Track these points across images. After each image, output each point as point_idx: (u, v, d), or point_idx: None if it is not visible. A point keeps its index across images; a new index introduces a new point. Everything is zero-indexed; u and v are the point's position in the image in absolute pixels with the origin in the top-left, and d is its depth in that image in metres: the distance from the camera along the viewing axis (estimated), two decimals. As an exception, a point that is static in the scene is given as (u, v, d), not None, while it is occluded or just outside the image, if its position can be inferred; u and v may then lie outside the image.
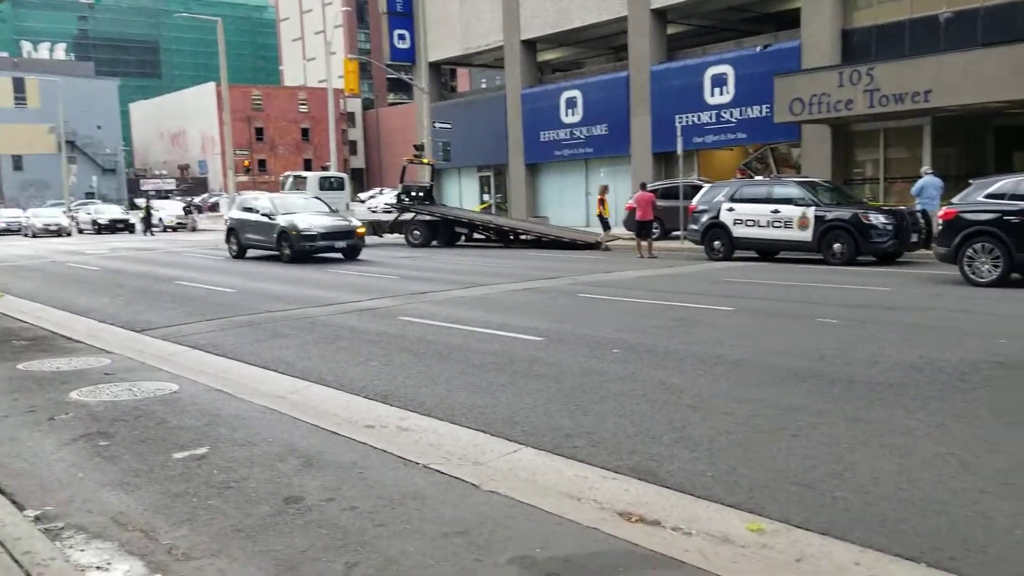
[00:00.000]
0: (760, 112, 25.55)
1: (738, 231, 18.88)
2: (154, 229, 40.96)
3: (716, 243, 19.36)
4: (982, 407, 6.14)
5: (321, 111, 78.80)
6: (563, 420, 6.07)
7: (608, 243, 23.80)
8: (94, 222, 43.12)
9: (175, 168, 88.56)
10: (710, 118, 27.23)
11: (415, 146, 32.71)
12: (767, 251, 19.09)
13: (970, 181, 14.40)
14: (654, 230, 21.61)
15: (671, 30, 29.96)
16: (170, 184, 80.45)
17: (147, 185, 77.34)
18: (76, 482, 4.91)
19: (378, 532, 4.06)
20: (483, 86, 57.05)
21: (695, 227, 19.88)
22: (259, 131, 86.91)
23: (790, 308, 11.57)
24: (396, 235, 28.70)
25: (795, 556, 3.76)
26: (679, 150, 23.68)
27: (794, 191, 18.19)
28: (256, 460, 5.24)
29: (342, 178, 36.87)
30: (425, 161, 31.17)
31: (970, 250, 13.49)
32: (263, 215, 21.83)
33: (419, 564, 3.69)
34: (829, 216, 17.32)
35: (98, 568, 3.74)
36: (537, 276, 16.41)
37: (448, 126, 33.99)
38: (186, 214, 45.56)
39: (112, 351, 9.17)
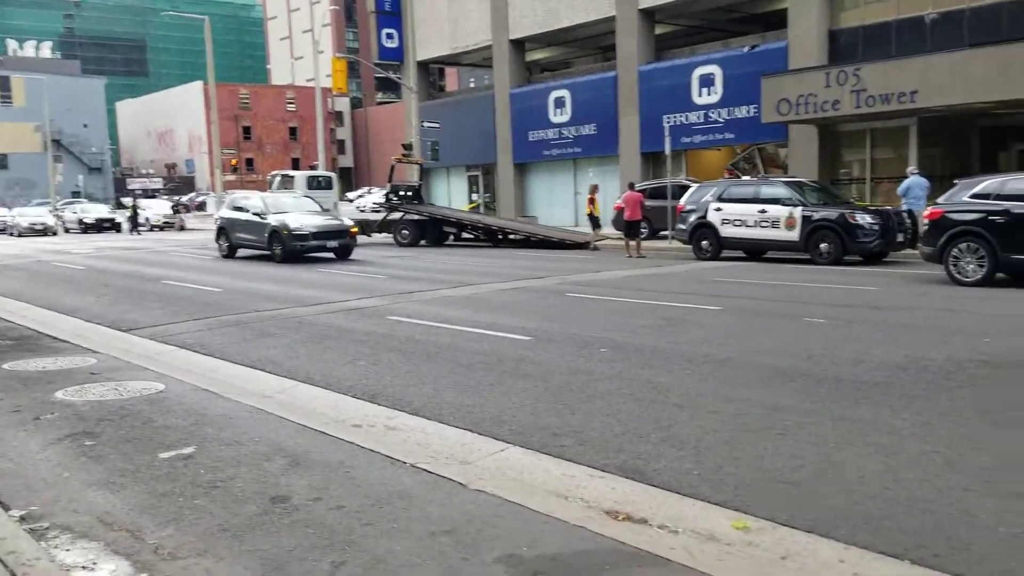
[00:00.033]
0: (748, 112, 25.63)
1: (726, 231, 18.95)
2: (140, 228, 40.77)
3: (704, 243, 19.42)
4: (967, 406, 6.18)
5: (309, 110, 78.66)
6: (551, 419, 6.08)
7: (598, 242, 23.83)
8: (80, 221, 42.85)
9: (162, 167, 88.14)
10: (698, 118, 27.31)
11: (403, 145, 32.63)
12: (754, 251, 19.15)
13: (955, 181, 14.49)
14: (642, 230, 21.66)
15: (659, 30, 30.02)
16: (157, 183, 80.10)
17: (134, 184, 76.99)
18: (62, 482, 4.89)
19: (365, 531, 4.05)
20: (471, 85, 57.09)
21: (683, 227, 19.93)
22: (247, 130, 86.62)
23: (777, 308, 11.62)
24: (384, 235, 28.64)
25: (780, 554, 3.78)
26: (667, 150, 23.73)
27: (781, 191, 18.26)
28: (243, 460, 5.23)
29: (330, 177, 36.77)
30: (413, 160, 31.12)
31: (955, 250, 13.58)
32: (254, 214, 21.67)
33: (406, 563, 3.69)
34: (816, 216, 17.40)
35: (84, 568, 3.73)
36: (525, 275, 16.42)
37: (436, 125, 33.96)
38: (174, 213, 45.34)
39: (98, 351, 9.13)
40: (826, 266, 16.88)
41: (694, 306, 11.72)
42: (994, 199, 13.28)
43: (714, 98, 26.87)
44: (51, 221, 41.96)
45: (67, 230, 43.00)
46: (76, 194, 68.90)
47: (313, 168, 43.32)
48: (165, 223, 43.44)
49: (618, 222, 23.11)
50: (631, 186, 22.67)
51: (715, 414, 6.09)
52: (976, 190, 13.65)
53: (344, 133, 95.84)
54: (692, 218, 19.60)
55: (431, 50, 37.40)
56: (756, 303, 12.10)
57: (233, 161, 59.84)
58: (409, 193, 28.43)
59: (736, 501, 4.42)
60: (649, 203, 22.82)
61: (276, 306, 12.48)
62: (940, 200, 14.47)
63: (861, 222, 16.88)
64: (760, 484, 4.67)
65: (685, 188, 21.88)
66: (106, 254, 25.39)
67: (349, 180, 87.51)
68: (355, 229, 22.12)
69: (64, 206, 51.45)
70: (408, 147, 32.04)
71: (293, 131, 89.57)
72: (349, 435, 5.76)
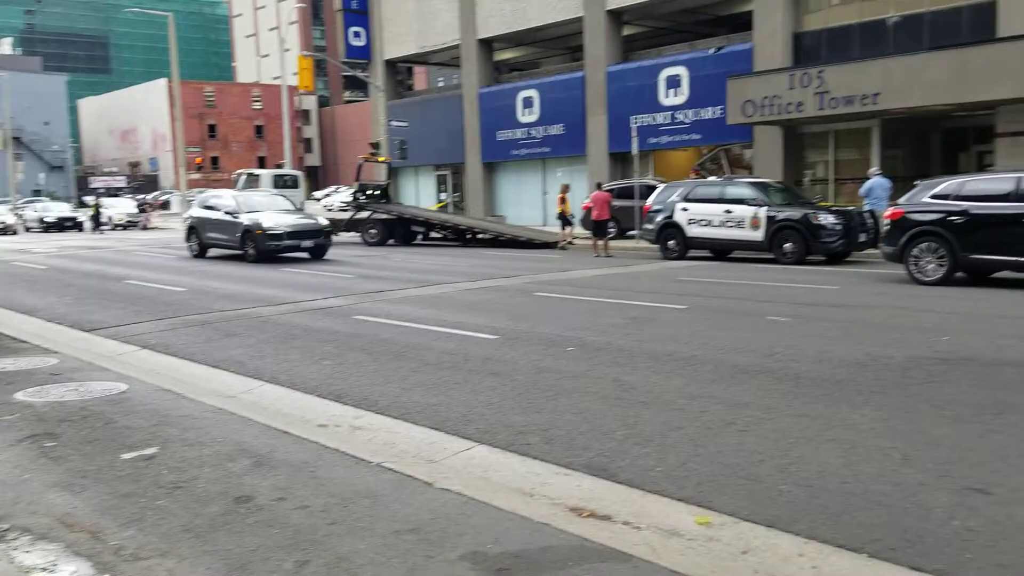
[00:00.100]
0: (714, 113, 25.87)
1: (692, 231, 19.12)
2: (103, 227, 40.21)
3: (671, 242, 19.58)
4: (924, 402, 6.30)
5: (275, 108, 77.94)
6: (517, 417, 6.11)
7: (570, 241, 23.88)
8: (41, 220, 42.15)
9: (125, 165, 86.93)
10: (665, 119, 27.50)
11: (371, 144, 32.54)
12: (720, 250, 19.34)
13: (916, 182, 14.74)
14: (610, 229, 21.78)
15: (627, 31, 30.20)
16: (120, 182, 78.90)
17: (96, 183, 75.74)
18: (21, 483, 4.82)
19: (329, 530, 4.05)
20: (440, 84, 56.97)
21: (650, 226, 20.08)
22: (212, 128, 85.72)
23: (741, 306, 11.75)
24: (351, 234, 28.51)
25: (741, 548, 3.84)
26: (635, 150, 23.89)
27: (746, 192, 18.46)
28: (206, 460, 5.19)
29: (296, 176, 36.48)
30: (381, 159, 31.01)
31: (916, 249, 13.82)
32: (226, 213, 21.30)
33: (370, 561, 3.70)
34: (780, 216, 17.61)
35: (44, 570, 3.69)
36: (494, 275, 16.44)
37: (405, 124, 33.88)
38: (140, 212, 44.75)
39: (60, 351, 9.01)
40: (790, 265, 17.10)
41: (660, 305, 11.81)
42: (953, 200, 13.53)
43: (681, 99, 27.08)
44: (11, 220, 41.23)
45: (28, 229, 42.29)
46: (37, 192, 67.81)
47: (279, 167, 43.01)
48: (129, 222, 42.87)
49: (586, 222, 23.22)
50: (599, 186, 22.80)
51: (679, 411, 6.16)
52: (936, 191, 13.89)
53: (311, 132, 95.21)
54: (659, 218, 19.75)
55: (399, 49, 37.30)
56: (721, 302, 12.23)
57: (198, 160, 59.13)
58: (377, 192, 28.32)
59: (699, 497, 4.47)
60: (617, 203, 22.97)
61: (241, 306, 12.39)
62: (901, 201, 14.71)
63: (824, 222, 17.12)
64: (722, 479, 4.74)
65: (652, 188, 22.04)
66: (68, 253, 25.00)
67: (316, 179, 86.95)
68: (330, 229, 21.90)
69: (25, 205, 50.58)
70: (376, 146, 31.96)
71: (259, 129, 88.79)
72: (314, 435, 5.75)
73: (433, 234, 27.38)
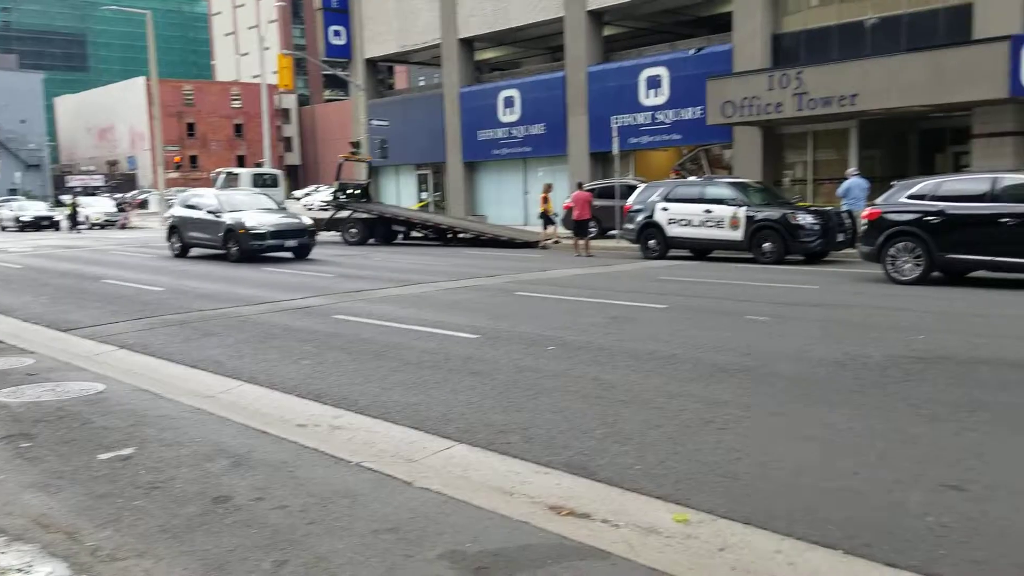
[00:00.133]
0: (694, 114, 25.99)
1: (672, 230, 19.19)
2: (80, 227, 39.85)
3: (651, 242, 19.65)
4: (901, 401, 6.36)
5: (255, 107, 77.61)
6: (497, 416, 6.11)
7: (556, 240, 23.89)
8: (17, 219, 41.67)
9: (103, 164, 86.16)
10: (645, 119, 27.60)
11: (352, 143, 32.43)
12: (700, 250, 19.44)
13: (893, 183, 14.87)
14: (591, 229, 21.83)
15: (607, 31, 30.27)
16: (98, 180, 78.18)
17: (74, 181, 75.00)
18: (-5, 485, 4.78)
19: (308, 530, 4.04)
20: (421, 84, 56.81)
21: (631, 226, 20.14)
22: (190, 127, 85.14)
23: (721, 306, 11.81)
24: (331, 233, 28.39)
25: (719, 545, 3.86)
26: (615, 150, 23.94)
27: (726, 192, 18.55)
28: (184, 460, 5.16)
29: (276, 175, 36.35)
30: (362, 158, 30.92)
31: (893, 249, 13.94)
32: (208, 212, 21.06)
33: (349, 561, 3.69)
34: (759, 216, 17.72)
35: (19, 571, 3.65)
36: (475, 274, 16.44)
37: (385, 123, 33.80)
38: (119, 211, 44.35)
39: (36, 351, 8.92)
40: (769, 265, 17.20)
41: (641, 304, 11.85)
42: (929, 200, 13.66)
43: (661, 99, 27.19)
44: (-14, 219, 40.79)
45: (3, 228, 41.82)
46: (13, 191, 66.99)
47: (259, 165, 42.79)
48: (106, 221, 42.49)
49: (567, 221, 23.27)
50: (580, 186, 22.86)
51: (658, 410, 6.19)
52: (912, 191, 14.02)
53: (291, 130, 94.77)
54: (640, 218, 19.81)
55: (379, 48, 37.21)
56: (701, 301, 12.29)
57: (177, 158, 58.78)
58: (357, 191, 28.24)
59: (677, 495, 4.50)
60: (598, 203, 23.03)
61: (220, 305, 12.32)
62: (878, 201, 14.84)
63: (802, 222, 17.24)
64: (701, 477, 4.76)
65: (633, 188, 22.11)
66: (44, 253, 24.75)
67: (296, 178, 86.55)
68: (314, 228, 21.75)
69: (0, 203, 50.02)
70: (356, 145, 31.85)
71: (239, 128, 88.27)
72: (293, 435, 5.73)
73: (414, 233, 27.33)
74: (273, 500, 4.45)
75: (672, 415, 6.05)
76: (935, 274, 13.72)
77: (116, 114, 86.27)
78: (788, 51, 23.81)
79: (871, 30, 22.08)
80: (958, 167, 21.46)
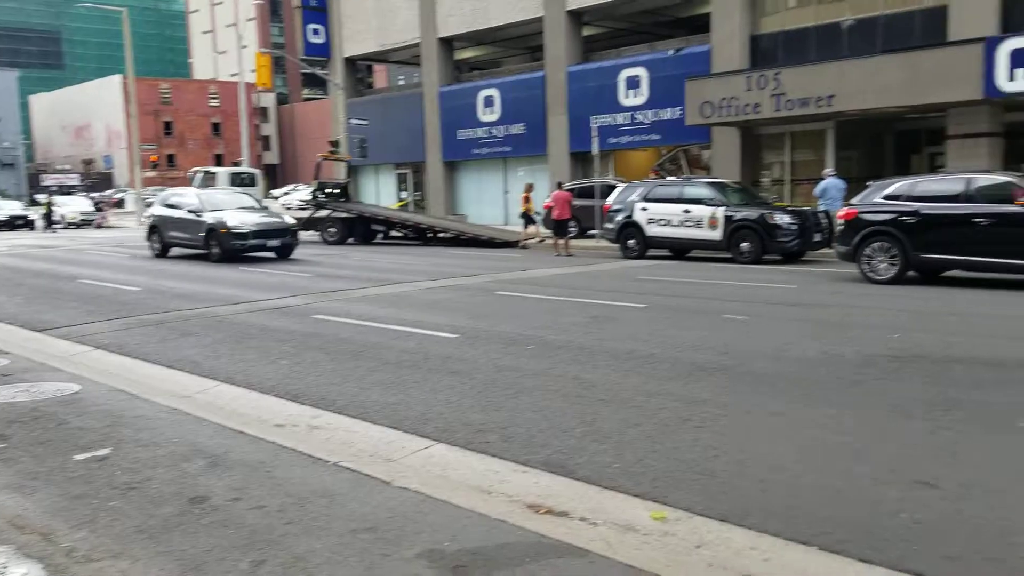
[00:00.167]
0: (673, 114, 26.08)
1: (651, 230, 19.27)
2: (56, 226, 39.42)
3: (631, 242, 19.71)
4: (876, 399, 6.43)
5: (232, 105, 77.07)
6: (476, 416, 6.11)
7: (541, 239, 23.89)
8: (-9, 218, 41.16)
9: (79, 163, 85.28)
10: (625, 119, 27.67)
11: (331, 142, 32.27)
12: (679, 250, 19.52)
13: (868, 183, 15.01)
14: (571, 228, 21.87)
15: (587, 32, 30.33)
16: (73, 179, 77.37)
17: (49, 180, 74.21)
18: (-32, 486, 4.72)
19: (286, 530, 4.03)
20: (400, 83, 56.71)
21: (610, 226, 20.20)
22: (168, 125, 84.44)
23: (699, 305, 11.88)
24: (310, 232, 28.25)
25: (695, 543, 3.89)
26: (595, 150, 24.00)
27: (704, 192, 18.65)
28: (160, 461, 5.13)
29: (254, 174, 36.16)
30: (341, 157, 30.80)
31: (868, 249, 14.07)
32: (189, 211, 20.80)
33: (327, 560, 3.69)
34: (737, 216, 17.83)
35: (-9, 574, 3.62)
36: (454, 274, 16.42)
37: (365, 122, 33.68)
38: (96, 210, 43.90)
39: (10, 351, 8.83)
40: (747, 265, 17.31)
41: (620, 304, 11.89)
42: (905, 200, 13.80)
43: (640, 100, 27.27)
44: (-40, 219, 40.23)
45: (-23, 228, 41.29)
46: (-13, 190, 66.20)
47: (237, 164, 42.53)
48: (83, 220, 42.04)
49: (547, 221, 23.30)
50: (559, 185, 22.90)
51: (637, 409, 6.21)
52: (888, 191, 14.16)
53: (269, 129, 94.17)
54: (619, 217, 19.87)
55: (358, 47, 37.07)
56: (679, 300, 12.35)
57: (153, 157, 58.32)
58: (336, 190, 28.12)
59: (655, 492, 4.52)
60: (577, 202, 23.08)
61: (197, 305, 12.23)
62: (854, 201, 14.96)
63: (780, 222, 17.36)
64: (678, 475, 4.79)
65: (612, 188, 22.16)
66: (19, 252, 24.48)
67: (275, 177, 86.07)
68: (296, 227, 21.59)
69: (-27, 203, 49.35)
70: (335, 144, 31.71)
71: (216, 127, 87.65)
72: (271, 435, 5.70)
73: (394, 233, 27.25)
74: (251, 500, 4.43)
75: (650, 414, 6.08)
76: (910, 273, 13.86)
77: (92, 112, 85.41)
78: (766, 52, 23.96)
79: (848, 32, 22.26)
80: (933, 168, 21.68)
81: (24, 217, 41.70)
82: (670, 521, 4.12)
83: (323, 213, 27.20)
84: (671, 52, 26.64)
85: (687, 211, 18.53)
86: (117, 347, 9.06)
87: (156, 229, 22.07)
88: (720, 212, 18.01)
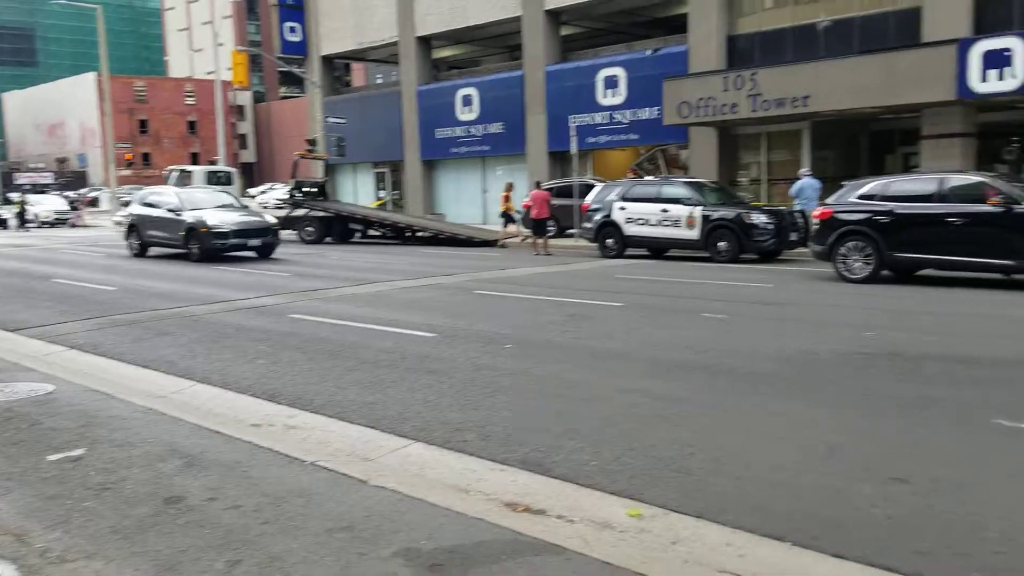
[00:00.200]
0: (650, 114, 26.16)
1: (629, 229, 19.33)
2: (29, 225, 38.98)
3: (609, 241, 19.77)
4: (851, 396, 6.49)
5: (209, 103, 76.46)
6: (454, 415, 6.11)
7: (522, 238, 23.87)
8: (-37, 218, 40.64)
9: (52, 161, 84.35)
10: (603, 119, 27.74)
11: (308, 140, 32.15)
12: (657, 249, 19.60)
13: (843, 183, 15.14)
14: (549, 228, 21.91)
15: (565, 31, 30.37)
16: (47, 178, 76.52)
17: (22, 179, 73.37)
18: (-61, 488, 4.67)
19: (262, 530, 4.01)
20: (379, 81, 56.51)
21: (589, 225, 20.24)
22: (143, 123, 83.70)
23: (677, 303, 11.94)
24: (287, 231, 28.09)
25: (671, 539, 3.92)
26: (573, 150, 24.04)
27: (682, 191, 18.74)
28: (135, 461, 5.09)
29: (230, 172, 35.89)
30: (318, 156, 30.67)
31: (843, 248, 14.19)
32: (168, 210, 20.52)
33: (303, 560, 3.68)
34: (715, 216, 17.93)
35: (-38, 576, 3.58)
36: (433, 273, 16.40)
37: (342, 121, 33.54)
38: (72, 209, 43.44)
39: (-19, 352, 8.72)
40: (724, 264, 17.41)
41: (598, 303, 11.93)
42: (879, 200, 13.94)
43: (618, 99, 27.34)
44: (-69, 218, 39.70)
45: (-52, 226, 40.75)
46: (-42, 189, 65.29)
47: (213, 163, 42.24)
48: (56, 219, 41.59)
49: (526, 220, 23.32)
50: (538, 184, 22.91)
51: (614, 406, 6.24)
52: (862, 191, 14.29)
53: (246, 127, 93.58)
54: (597, 217, 19.92)
55: (336, 45, 36.90)
56: (657, 299, 12.41)
57: (128, 155, 57.78)
58: (314, 189, 27.99)
59: (631, 490, 4.54)
60: (556, 202, 23.08)
61: (173, 305, 12.14)
62: (829, 200, 15.09)
63: (757, 222, 17.48)
64: (654, 473, 4.82)
65: (591, 187, 22.21)
66: (-9, 251, 24.18)
67: (251, 175, 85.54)
68: (278, 227, 21.43)
69: (-55, 201, 48.70)
70: (313, 142, 31.59)
71: (192, 125, 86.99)
72: (247, 435, 5.67)
73: (372, 232, 27.16)
74: (226, 500, 4.41)
75: (627, 411, 6.11)
76: (885, 272, 14.00)
77: (66, 110, 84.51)
78: (743, 53, 24.10)
79: (823, 33, 22.43)
80: (907, 168, 21.91)
81: (-4, 216, 41.18)
82: (646, 518, 4.15)
83: (300, 212, 27.08)
84: (649, 52, 26.73)
85: (665, 211, 18.61)
86: (91, 347, 8.98)
87: (135, 228, 21.80)
88: (698, 211, 18.10)
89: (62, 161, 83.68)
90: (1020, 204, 12.52)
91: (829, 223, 14.45)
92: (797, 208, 18.85)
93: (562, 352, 8.31)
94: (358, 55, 39.04)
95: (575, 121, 25.01)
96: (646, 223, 18.98)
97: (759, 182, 24.78)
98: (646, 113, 26.41)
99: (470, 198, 32.99)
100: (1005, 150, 21.30)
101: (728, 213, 17.85)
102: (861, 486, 4.56)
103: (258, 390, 6.93)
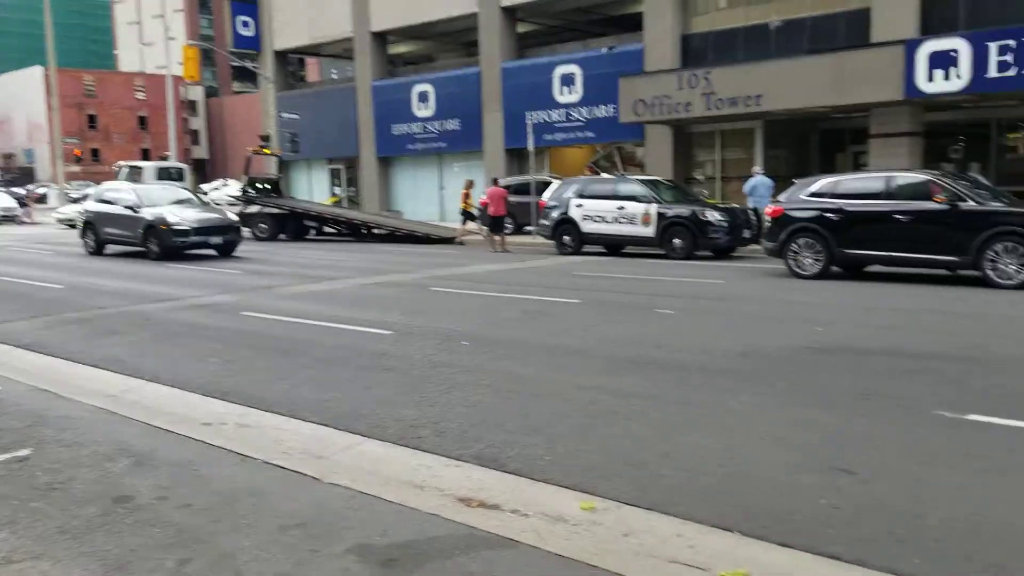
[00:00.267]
0: (607, 112, 26.32)
1: (586, 227, 19.45)
2: (-27, 222, 38.00)
3: (566, 238, 19.87)
4: (799, 389, 6.62)
5: (160, 98, 75.11)
6: (409, 411, 6.11)
7: (476, 236, 23.84)
8: (-97, 215, 39.43)
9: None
10: (560, 116, 27.85)
11: (261, 136, 31.80)
12: (614, 246, 19.75)
13: (793, 181, 15.40)
14: (507, 225, 21.94)
15: (521, 28, 30.42)
16: (-8, 174, 74.72)
17: (-34, 175, 71.58)
18: None
19: (213, 529, 3.98)
20: (334, 76, 56.00)
21: (546, 222, 20.33)
22: (92, 118, 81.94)
23: (632, 300, 12.05)
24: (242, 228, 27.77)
25: (623, 531, 3.97)
26: (530, 147, 24.10)
27: (638, 189, 18.90)
28: (84, 461, 5.01)
29: (181, 168, 35.39)
30: (269, 152, 30.33)
31: (795, 245, 14.43)
32: (126, 207, 20.03)
33: (255, 558, 3.66)
34: (670, 213, 18.12)
35: (-98, 580, 3.50)
36: (389, 270, 16.34)
37: (296, 117, 33.25)
38: (21, 206, 42.37)
39: (-78, 351, 8.51)
40: (679, 260, 17.61)
41: (554, 299, 11.99)
42: (829, 198, 14.19)
43: (575, 97, 27.47)
44: None
45: None
46: (-101, 185, 63.37)
47: (164, 159, 41.57)
48: (3, 216, 40.55)
49: (483, 217, 23.32)
50: (495, 181, 22.93)
51: (569, 402, 6.29)
52: (812, 189, 14.54)
53: (198, 123, 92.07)
54: (555, 214, 20.01)
55: (289, 40, 36.52)
56: (612, 296, 12.51)
57: (77, 151, 56.59)
58: (267, 186, 27.72)
59: (584, 484, 4.59)
60: (513, 199, 23.13)
61: (123, 303, 11.95)
62: (781, 198, 15.35)
63: (711, 219, 17.71)
64: (608, 466, 4.87)
65: (548, 184, 22.30)
66: (-67, 249, 23.54)
67: (204, 172, 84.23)
68: (239, 224, 21.10)
69: None
70: (266, 138, 31.26)
71: (143, 120, 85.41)
72: (198, 433, 5.61)
73: (327, 229, 26.97)
74: (177, 499, 4.36)
75: (582, 407, 6.16)
76: (835, 269, 14.27)
77: (12, 105, 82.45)
78: (697, 52, 24.36)
79: (775, 33, 22.77)
80: (857, 166, 22.33)
81: (-61, 213, 40.04)
82: (599, 511, 4.19)
83: (254, 209, 26.78)
84: (605, 50, 26.89)
85: (621, 208, 18.75)
86: (39, 346, 8.80)
87: (91, 225, 21.23)
88: (653, 209, 18.28)
89: (8, 157, 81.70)
90: (965, 201, 12.84)
91: (781, 221, 14.68)
92: (750, 206, 19.13)
93: (518, 349, 8.35)
94: (312, 50, 38.70)
95: (532, 118, 25.11)
96: (603, 220, 19.11)
97: (713, 180, 25.07)
98: (602, 111, 26.57)
99: (427, 195, 32.90)
100: (951, 148, 21.83)
101: (683, 211, 18.05)
102: (808, 476, 4.66)
103: (210, 389, 6.85)
